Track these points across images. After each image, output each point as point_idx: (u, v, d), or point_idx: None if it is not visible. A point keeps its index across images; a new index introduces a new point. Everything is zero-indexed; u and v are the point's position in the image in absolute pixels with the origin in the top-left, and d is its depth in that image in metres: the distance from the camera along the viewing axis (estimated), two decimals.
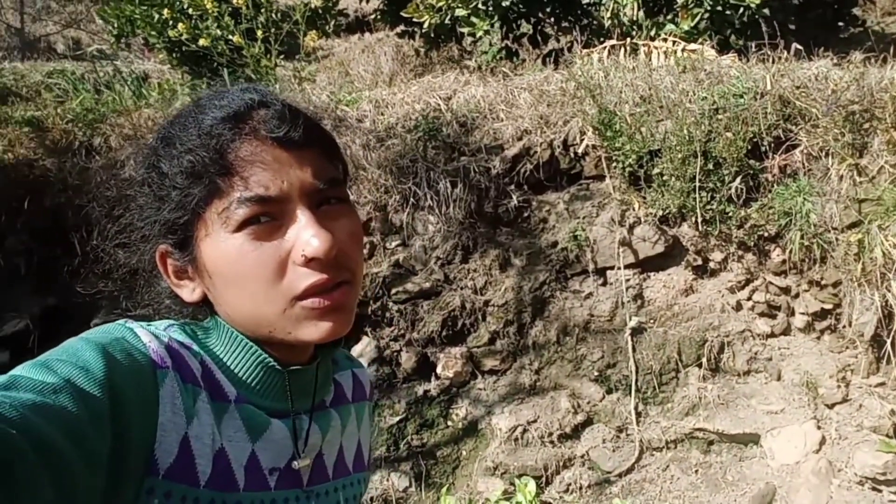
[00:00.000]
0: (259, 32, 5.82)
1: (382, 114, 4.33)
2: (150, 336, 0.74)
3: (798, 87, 3.72)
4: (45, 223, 4.09)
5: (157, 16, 5.84)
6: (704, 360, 3.66)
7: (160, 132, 0.81)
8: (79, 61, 8.17)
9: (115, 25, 6.22)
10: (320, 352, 0.88)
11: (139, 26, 6.11)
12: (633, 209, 3.85)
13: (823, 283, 3.54)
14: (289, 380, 0.82)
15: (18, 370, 0.62)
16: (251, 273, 0.74)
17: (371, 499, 3.56)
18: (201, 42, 5.79)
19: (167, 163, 0.77)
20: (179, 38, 5.91)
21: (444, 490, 3.52)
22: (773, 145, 3.67)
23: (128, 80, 6.05)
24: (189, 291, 0.81)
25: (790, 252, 3.57)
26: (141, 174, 0.81)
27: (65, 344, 0.67)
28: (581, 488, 3.52)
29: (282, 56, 6.47)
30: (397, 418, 3.76)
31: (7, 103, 5.56)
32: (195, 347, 0.79)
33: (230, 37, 5.84)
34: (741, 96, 3.71)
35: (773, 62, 3.90)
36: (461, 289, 3.88)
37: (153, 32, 6.03)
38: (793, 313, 3.70)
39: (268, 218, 0.74)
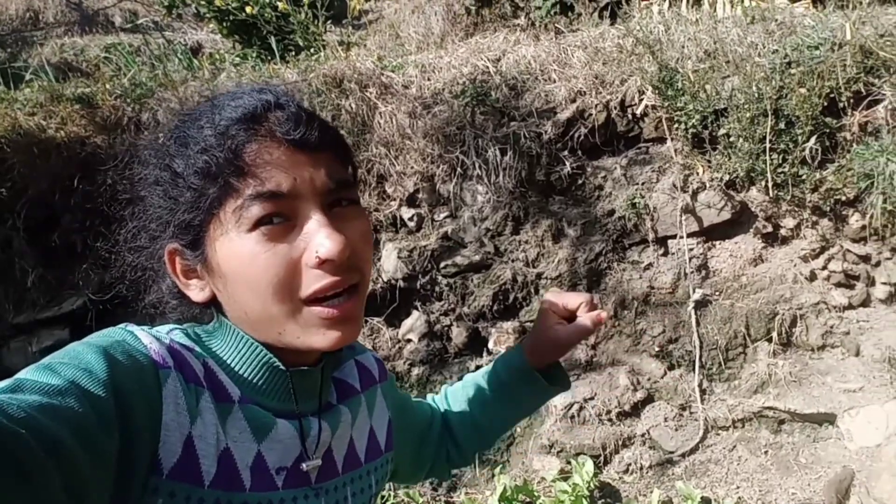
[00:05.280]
0: None
1: (429, 79, 4.16)
2: (150, 338, 0.74)
3: (882, 36, 3.36)
4: (98, 200, 4.10)
5: None
6: (775, 334, 3.42)
7: (173, 131, 0.81)
8: (134, 34, 8.21)
9: None
10: (325, 355, 0.88)
11: None
12: (697, 173, 3.60)
13: None
14: (293, 381, 0.83)
15: (22, 374, 0.62)
16: (263, 274, 0.74)
17: None
18: (247, 10, 5.72)
19: (181, 162, 0.76)
20: (227, 6, 5.86)
21: (497, 469, 3.43)
22: (852, 101, 3.34)
23: (177, 52, 6.03)
24: (197, 291, 0.81)
25: (871, 217, 3.28)
26: (153, 174, 0.80)
27: (66, 348, 0.67)
28: (641, 468, 3.37)
29: (330, 21, 6.34)
30: None
31: (67, 79, 5.62)
32: (197, 349, 0.80)
33: (276, 2, 5.76)
34: (817, 48, 3.38)
35: (853, 8, 3.55)
36: (512, 261, 3.72)
37: (202, 1, 5.99)
38: (873, 283, 3.41)
39: (281, 219, 0.74)
